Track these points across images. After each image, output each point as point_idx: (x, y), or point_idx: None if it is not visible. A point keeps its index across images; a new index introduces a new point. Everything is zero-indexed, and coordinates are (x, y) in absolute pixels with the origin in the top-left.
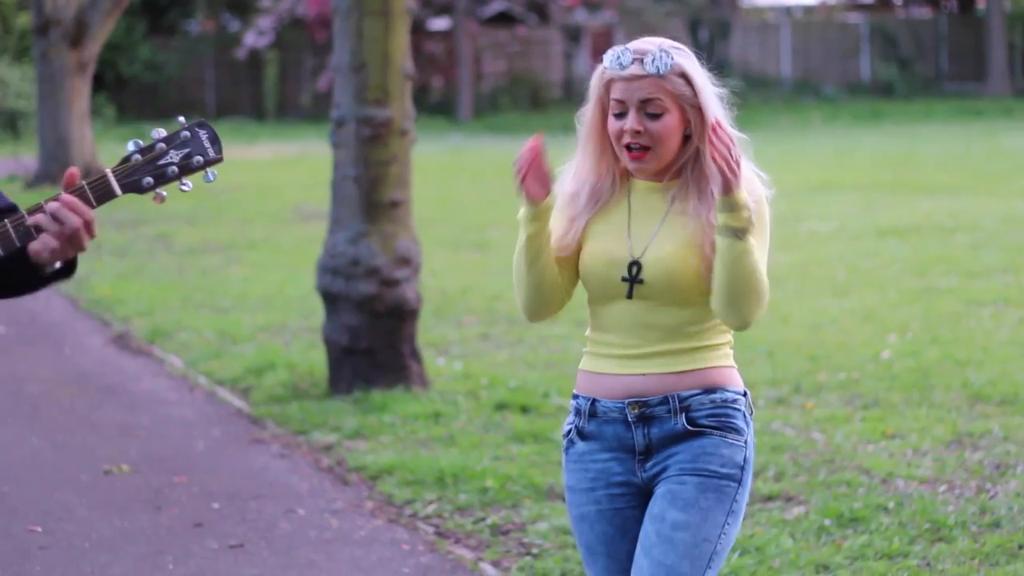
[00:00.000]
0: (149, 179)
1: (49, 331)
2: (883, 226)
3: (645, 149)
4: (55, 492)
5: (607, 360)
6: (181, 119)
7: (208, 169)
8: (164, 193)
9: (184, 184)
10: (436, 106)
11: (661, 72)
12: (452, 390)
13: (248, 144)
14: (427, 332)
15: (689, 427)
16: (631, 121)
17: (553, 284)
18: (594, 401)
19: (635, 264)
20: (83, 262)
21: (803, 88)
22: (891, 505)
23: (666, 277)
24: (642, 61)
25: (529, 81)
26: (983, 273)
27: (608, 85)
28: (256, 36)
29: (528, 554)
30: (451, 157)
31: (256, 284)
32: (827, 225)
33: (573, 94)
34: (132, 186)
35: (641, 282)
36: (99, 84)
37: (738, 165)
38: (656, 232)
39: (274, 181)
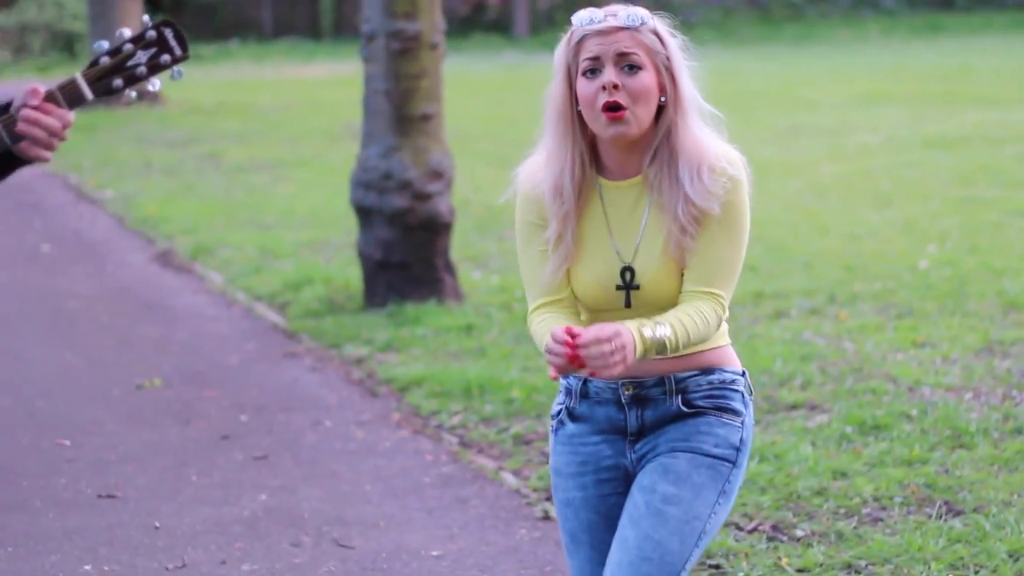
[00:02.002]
0: (119, 81)
1: (93, 249)
2: (931, 137)
3: (623, 109)
4: (86, 407)
5: None
6: (146, 18)
7: (175, 67)
8: (133, 94)
9: (152, 83)
10: (492, 24)
11: (636, 25)
12: (486, 303)
13: (304, 63)
14: (468, 247)
15: (684, 408)
16: (608, 74)
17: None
18: (586, 381)
19: (628, 269)
20: (132, 181)
21: (862, 2)
22: (914, 412)
23: (659, 283)
24: (616, 16)
25: None
26: None
27: (578, 47)
28: None
29: (548, 463)
30: (505, 74)
31: (302, 201)
32: (875, 137)
33: None
34: (102, 88)
35: (637, 287)
36: (156, 5)
37: (615, 362)
38: (642, 232)
39: (326, 99)
